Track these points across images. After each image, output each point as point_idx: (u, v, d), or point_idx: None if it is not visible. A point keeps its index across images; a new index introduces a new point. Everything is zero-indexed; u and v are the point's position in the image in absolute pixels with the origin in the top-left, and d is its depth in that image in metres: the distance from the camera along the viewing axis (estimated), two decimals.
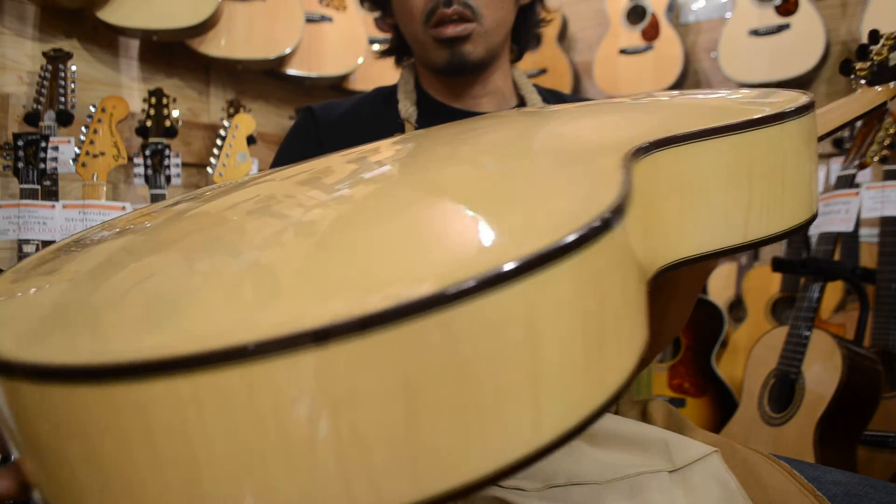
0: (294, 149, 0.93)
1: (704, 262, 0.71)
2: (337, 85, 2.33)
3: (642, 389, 0.97)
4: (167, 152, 1.67)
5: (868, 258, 1.88)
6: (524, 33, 0.93)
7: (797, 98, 0.51)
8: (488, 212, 0.32)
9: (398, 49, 0.97)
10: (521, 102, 0.93)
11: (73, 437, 0.26)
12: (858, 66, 0.77)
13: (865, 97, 0.75)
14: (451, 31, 0.81)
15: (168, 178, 1.65)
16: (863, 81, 0.76)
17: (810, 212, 0.51)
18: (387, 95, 0.93)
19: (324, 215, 0.37)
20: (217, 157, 1.69)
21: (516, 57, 0.96)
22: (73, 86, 1.64)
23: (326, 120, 0.91)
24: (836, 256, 1.69)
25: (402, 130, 0.89)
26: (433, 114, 0.90)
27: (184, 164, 1.94)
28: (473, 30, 0.82)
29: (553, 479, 0.61)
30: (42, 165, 1.40)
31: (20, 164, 1.38)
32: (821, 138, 0.71)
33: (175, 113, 1.77)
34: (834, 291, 2.01)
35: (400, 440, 0.25)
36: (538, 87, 0.94)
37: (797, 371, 1.49)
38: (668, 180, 0.43)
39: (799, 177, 0.49)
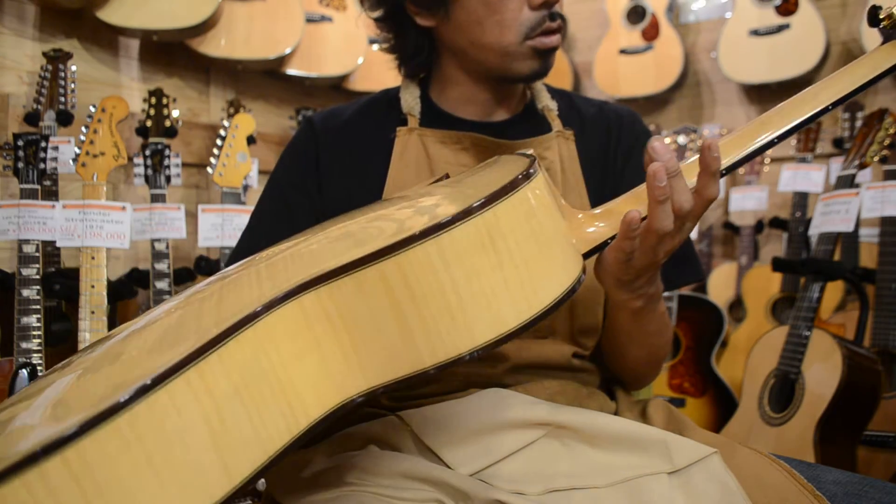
0: (291, 165, 0.94)
1: (623, 301, 0.72)
2: (337, 85, 2.33)
3: (642, 389, 0.97)
4: (167, 152, 1.67)
5: (868, 258, 1.88)
6: None
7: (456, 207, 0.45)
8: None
9: (426, 56, 0.90)
10: (531, 102, 0.92)
11: None
12: (884, 12, 0.70)
13: (886, 53, 0.69)
14: (552, 41, 0.82)
15: (168, 178, 1.66)
16: (884, 36, 0.70)
17: (518, 318, 0.47)
18: (392, 95, 0.93)
19: None
20: (217, 157, 1.69)
21: None
22: (73, 86, 1.64)
23: (327, 131, 0.91)
24: (836, 256, 1.69)
25: (405, 124, 0.88)
26: (435, 117, 0.90)
27: (184, 164, 1.94)
28: (560, 41, 0.84)
29: (554, 483, 0.61)
30: (42, 165, 1.40)
31: (20, 164, 1.38)
32: (844, 98, 0.67)
33: (175, 113, 1.77)
34: (834, 291, 2.01)
35: None
36: (547, 87, 0.94)
37: (797, 371, 1.49)
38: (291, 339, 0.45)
39: (479, 289, 0.46)
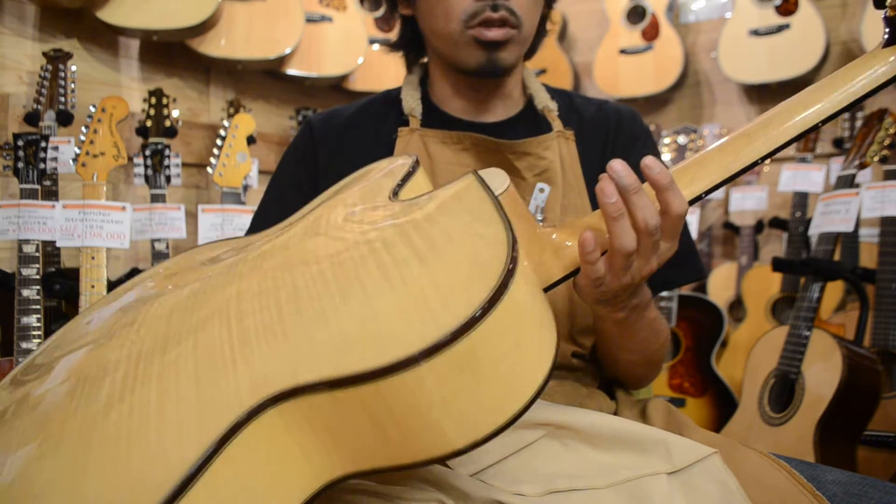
0: (290, 167, 0.94)
1: (609, 315, 0.71)
2: (337, 85, 2.33)
3: (642, 389, 0.97)
4: (167, 152, 1.67)
5: (868, 258, 1.88)
6: (539, 36, 0.93)
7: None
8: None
9: (409, 44, 0.95)
10: (530, 102, 0.92)
11: None
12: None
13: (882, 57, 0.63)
14: (494, 34, 0.81)
15: (168, 178, 1.66)
16: (886, 31, 0.65)
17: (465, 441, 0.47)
18: (393, 96, 0.93)
19: None
20: (217, 157, 1.69)
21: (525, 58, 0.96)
22: (73, 86, 1.64)
23: (326, 132, 0.91)
24: (836, 256, 1.69)
25: (406, 125, 0.88)
26: (436, 118, 0.90)
27: (184, 164, 1.94)
28: (514, 36, 0.83)
29: (554, 484, 0.61)
30: (42, 165, 1.40)
31: (20, 164, 1.38)
32: (840, 111, 0.63)
33: (175, 113, 1.77)
34: (834, 291, 2.01)
35: None
36: (546, 87, 0.94)
37: (797, 371, 1.49)
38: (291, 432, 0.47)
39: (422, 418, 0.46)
